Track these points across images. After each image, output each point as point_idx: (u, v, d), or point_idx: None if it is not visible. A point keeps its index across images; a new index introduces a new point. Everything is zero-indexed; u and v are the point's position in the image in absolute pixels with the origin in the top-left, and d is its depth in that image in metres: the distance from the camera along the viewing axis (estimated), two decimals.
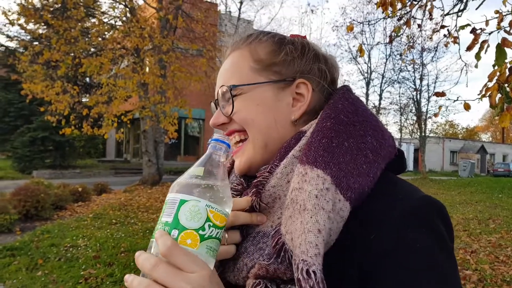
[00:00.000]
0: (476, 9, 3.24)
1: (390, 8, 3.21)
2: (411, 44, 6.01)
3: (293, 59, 0.60)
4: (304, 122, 0.59)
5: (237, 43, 0.63)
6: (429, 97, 22.30)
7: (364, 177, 0.50)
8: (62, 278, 3.86)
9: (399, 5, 3.34)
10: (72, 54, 10.58)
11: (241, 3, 16.28)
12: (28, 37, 15.18)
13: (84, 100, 14.36)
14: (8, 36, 16.70)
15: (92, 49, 12.18)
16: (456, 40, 3.41)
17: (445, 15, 3.68)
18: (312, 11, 38.62)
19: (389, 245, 0.47)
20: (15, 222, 6.01)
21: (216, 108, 0.63)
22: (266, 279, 0.50)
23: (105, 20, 12.14)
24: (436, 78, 25.51)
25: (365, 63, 23.07)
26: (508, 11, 2.51)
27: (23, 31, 12.91)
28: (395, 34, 4.13)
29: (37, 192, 6.78)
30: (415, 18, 4.08)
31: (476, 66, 2.53)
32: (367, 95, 22.91)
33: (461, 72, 3.84)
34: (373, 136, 0.54)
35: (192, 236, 0.44)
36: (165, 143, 13.52)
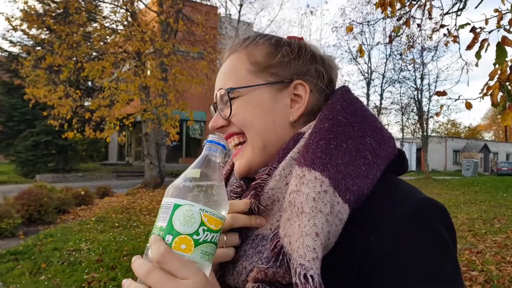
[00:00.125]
0: (476, 8, 3.23)
1: (389, 8, 3.21)
2: (411, 43, 6.02)
3: (290, 60, 0.59)
4: (302, 124, 0.59)
5: (235, 46, 0.63)
6: (430, 96, 22.19)
7: (363, 179, 0.50)
8: (65, 282, 3.86)
9: (398, 5, 3.34)
10: (74, 59, 10.65)
11: (240, 5, 16.34)
12: (31, 43, 15.32)
13: (86, 104, 14.42)
14: (11, 42, 16.89)
15: (94, 53, 12.26)
16: (456, 39, 3.41)
17: (445, 14, 3.68)
18: (311, 12, 38.51)
19: (389, 246, 0.46)
20: (19, 226, 6.03)
21: (215, 111, 0.63)
22: (265, 282, 0.49)
23: (107, 24, 12.22)
24: (437, 77, 25.39)
25: (365, 63, 23.00)
26: (507, 10, 2.51)
27: (26, 36, 13.02)
28: (395, 34, 4.14)
29: (40, 196, 6.81)
30: (415, 17, 4.08)
31: (476, 65, 2.53)
32: (368, 95, 22.84)
33: (461, 71, 3.85)
34: (372, 137, 0.53)
35: (186, 241, 0.43)
36: (167, 146, 13.57)
